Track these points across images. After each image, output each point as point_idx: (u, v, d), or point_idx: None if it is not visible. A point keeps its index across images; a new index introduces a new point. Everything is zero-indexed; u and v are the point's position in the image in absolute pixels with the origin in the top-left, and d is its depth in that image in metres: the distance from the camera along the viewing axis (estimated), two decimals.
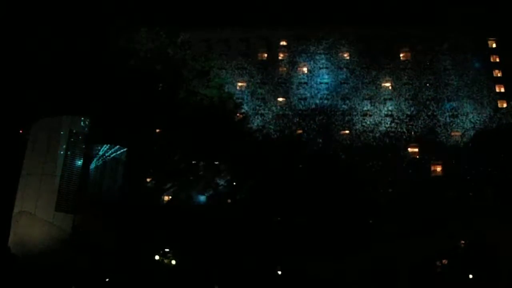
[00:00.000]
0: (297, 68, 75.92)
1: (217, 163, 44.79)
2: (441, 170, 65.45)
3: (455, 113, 69.52)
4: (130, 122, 37.81)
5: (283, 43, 78.03)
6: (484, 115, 68.13)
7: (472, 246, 46.08)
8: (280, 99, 73.92)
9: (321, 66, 75.06)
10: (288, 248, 40.72)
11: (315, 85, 74.01)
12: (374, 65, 73.72)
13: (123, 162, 34.88)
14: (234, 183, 46.39)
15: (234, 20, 74.44)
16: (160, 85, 42.69)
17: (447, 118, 69.30)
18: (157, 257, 41.27)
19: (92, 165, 33.11)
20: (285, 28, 76.72)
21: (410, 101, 71.30)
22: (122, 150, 34.27)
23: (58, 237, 30.43)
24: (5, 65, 37.49)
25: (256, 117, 70.62)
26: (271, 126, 69.23)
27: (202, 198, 45.57)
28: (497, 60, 73.48)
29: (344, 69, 74.63)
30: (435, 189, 56.22)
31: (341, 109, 71.72)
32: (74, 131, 32.61)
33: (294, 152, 49.90)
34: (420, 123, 69.58)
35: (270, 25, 75.94)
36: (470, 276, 44.46)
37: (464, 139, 66.56)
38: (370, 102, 71.81)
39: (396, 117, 70.33)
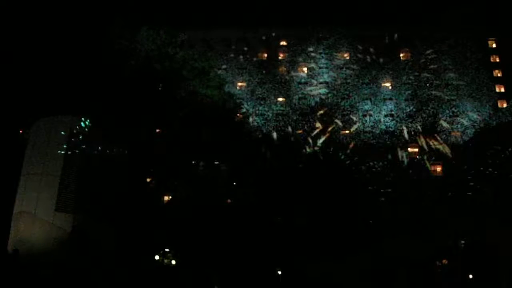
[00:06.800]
0: (297, 68, 75.93)
1: (217, 163, 44.77)
2: (441, 170, 65.42)
3: (455, 113, 69.50)
4: (130, 122, 37.80)
5: (283, 43, 78.07)
6: (484, 115, 68.10)
7: (472, 246, 46.07)
8: (280, 99, 73.94)
9: (321, 66, 75.04)
10: (288, 248, 40.71)
11: (315, 85, 74.02)
12: (374, 65, 73.71)
13: (123, 162, 34.91)
14: (234, 183, 46.36)
15: (234, 20, 74.49)
16: (160, 85, 42.67)
17: (447, 118, 69.29)
18: (157, 257, 41.29)
19: (92, 165, 33.11)
20: (285, 28, 76.73)
21: (410, 101, 71.29)
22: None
23: (58, 237, 30.45)
24: (5, 65, 37.47)
25: (256, 117, 70.63)
26: (271, 126, 69.22)
27: (203, 198, 45.52)
28: (497, 60, 73.46)
29: (344, 69, 74.62)
30: (435, 189, 56.24)
31: (341, 109, 71.73)
32: (74, 131, 32.63)
33: (294, 152, 49.89)
34: (420, 123, 69.57)
35: (270, 25, 75.95)
36: (470, 276, 44.47)
37: (464, 139, 66.55)
38: (370, 102, 71.85)
39: (396, 117, 70.35)
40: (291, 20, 75.95)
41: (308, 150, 61.32)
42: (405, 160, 65.82)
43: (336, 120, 70.67)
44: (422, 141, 68.18)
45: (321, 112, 71.54)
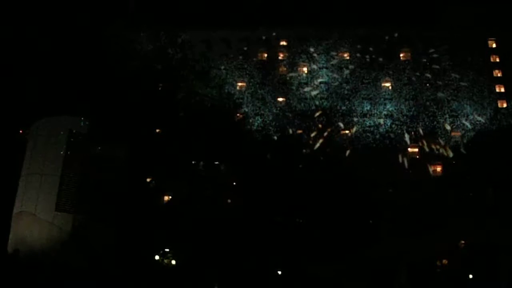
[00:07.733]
0: (297, 68, 75.85)
1: (217, 163, 44.81)
2: (441, 170, 65.35)
3: (455, 113, 69.44)
4: (130, 122, 37.85)
5: (283, 43, 78.00)
6: (484, 115, 68.04)
7: (472, 246, 46.08)
8: (280, 99, 73.84)
9: (321, 66, 74.96)
10: (288, 248, 40.71)
11: (315, 85, 73.94)
12: (374, 65, 73.62)
13: (123, 162, 34.93)
14: (234, 183, 46.39)
15: (234, 20, 74.31)
16: (160, 85, 42.76)
17: (447, 119, 69.24)
18: (157, 257, 41.29)
19: (92, 165, 33.12)
20: (285, 28, 76.64)
21: (410, 102, 71.20)
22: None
23: (58, 237, 30.47)
24: (5, 65, 37.53)
25: (256, 117, 70.54)
26: (270, 126, 69.18)
27: (203, 198, 45.53)
28: (497, 60, 73.39)
29: (344, 69, 74.52)
30: (435, 189, 56.21)
31: (341, 109, 71.65)
32: (74, 131, 32.65)
33: (294, 152, 49.90)
34: (420, 123, 69.52)
35: (270, 25, 75.82)
36: (470, 276, 44.47)
37: (464, 140, 66.50)
38: (370, 103, 71.76)
39: (396, 118, 70.26)
40: (291, 20, 75.68)
41: (307, 150, 61.26)
42: (406, 161, 65.80)
43: (338, 123, 70.67)
44: (422, 141, 68.18)
45: (321, 112, 71.51)
